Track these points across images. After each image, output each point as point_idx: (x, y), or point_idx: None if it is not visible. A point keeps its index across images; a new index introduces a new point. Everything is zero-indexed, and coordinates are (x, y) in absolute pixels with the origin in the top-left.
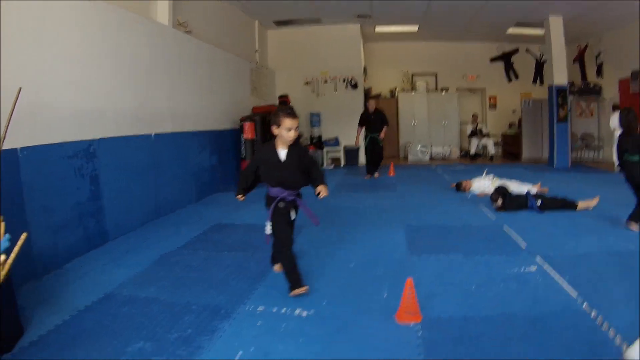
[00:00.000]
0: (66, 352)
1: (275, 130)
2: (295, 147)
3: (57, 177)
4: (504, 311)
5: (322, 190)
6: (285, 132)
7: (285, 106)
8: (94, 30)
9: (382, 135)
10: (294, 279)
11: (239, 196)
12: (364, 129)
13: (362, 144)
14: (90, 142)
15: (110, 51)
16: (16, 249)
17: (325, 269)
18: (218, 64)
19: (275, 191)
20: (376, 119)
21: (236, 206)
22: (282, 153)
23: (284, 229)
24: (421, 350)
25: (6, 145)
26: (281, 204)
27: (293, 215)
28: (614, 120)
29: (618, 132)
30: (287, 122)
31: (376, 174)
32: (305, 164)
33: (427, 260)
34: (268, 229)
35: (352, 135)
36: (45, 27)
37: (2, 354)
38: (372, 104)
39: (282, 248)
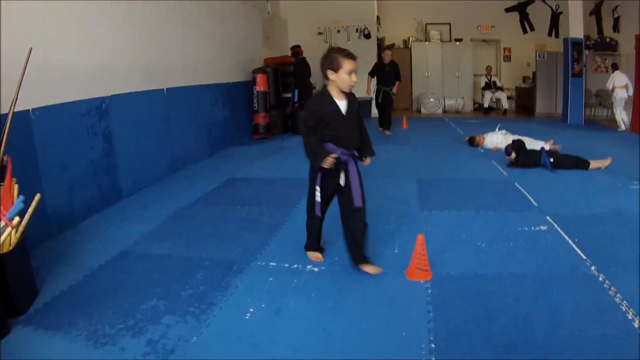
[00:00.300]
0: (80, 312)
1: (331, 75)
2: (352, 96)
3: (69, 137)
4: (513, 270)
5: (368, 160)
6: (347, 76)
7: (336, 47)
8: None
9: (394, 89)
10: (314, 243)
11: (329, 158)
12: (374, 80)
13: (372, 96)
14: (102, 100)
15: (119, 6)
16: (30, 210)
17: (337, 224)
18: (229, 15)
19: (328, 148)
20: (390, 71)
21: (249, 159)
22: (342, 104)
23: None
24: (430, 307)
25: (18, 107)
26: (332, 166)
27: (342, 180)
28: (614, 80)
29: (618, 93)
30: (348, 64)
31: (387, 132)
32: (359, 119)
33: (438, 215)
34: (318, 195)
35: (364, 87)
36: None
37: (18, 316)
38: (387, 55)
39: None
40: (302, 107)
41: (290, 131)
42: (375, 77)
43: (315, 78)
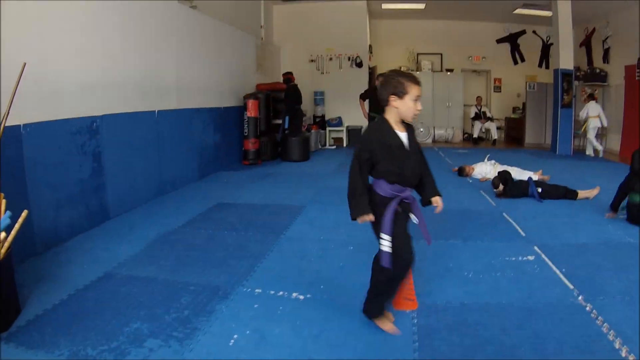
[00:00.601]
0: (63, 331)
1: (394, 102)
2: (411, 128)
3: (59, 154)
4: (500, 300)
5: (438, 202)
6: (413, 104)
7: (398, 70)
8: (99, 6)
9: None
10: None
11: (366, 217)
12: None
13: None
14: (93, 119)
15: (115, 26)
16: (17, 226)
17: (324, 252)
18: (223, 40)
19: (392, 189)
20: None
21: (238, 185)
22: (402, 136)
23: (408, 242)
24: (416, 337)
25: (9, 122)
26: (398, 208)
27: (415, 220)
28: (588, 109)
29: (591, 123)
30: (415, 90)
31: None
32: (422, 153)
33: (426, 244)
34: (386, 245)
35: (355, 115)
36: (49, 5)
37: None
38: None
39: (406, 268)
40: (292, 134)
41: (280, 157)
42: (368, 103)
43: (306, 105)
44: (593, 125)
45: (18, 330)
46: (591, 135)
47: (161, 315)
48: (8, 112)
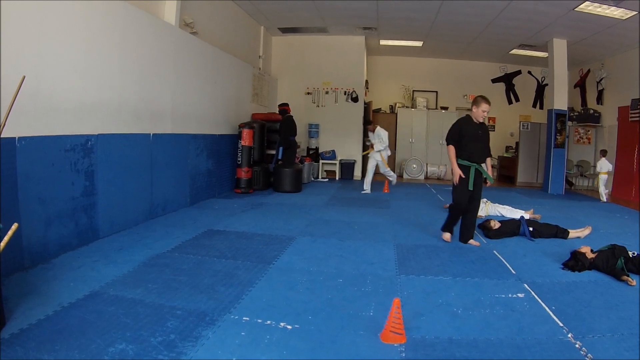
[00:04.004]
0: (47, 347)
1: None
2: (484, 124)
3: (52, 170)
4: (489, 336)
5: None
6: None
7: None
8: (99, 26)
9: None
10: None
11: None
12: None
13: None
14: (88, 137)
15: (115, 48)
16: (6, 238)
17: (313, 283)
18: (221, 67)
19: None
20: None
21: (229, 212)
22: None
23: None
24: None
25: (4, 134)
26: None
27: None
28: (601, 165)
29: (602, 179)
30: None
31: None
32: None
33: (416, 280)
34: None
35: (348, 150)
36: (49, 22)
37: None
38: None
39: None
40: (285, 165)
41: (272, 188)
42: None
43: (300, 137)
44: (603, 180)
45: (2, 343)
46: (601, 188)
47: (147, 337)
48: (4, 124)
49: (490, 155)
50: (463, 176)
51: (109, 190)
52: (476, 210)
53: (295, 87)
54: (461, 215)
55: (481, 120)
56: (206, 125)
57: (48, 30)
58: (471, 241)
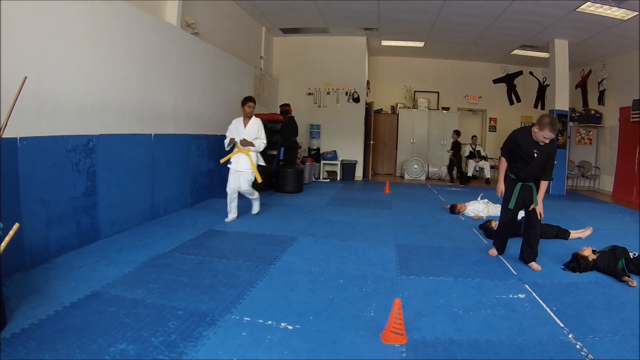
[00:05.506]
0: (48, 347)
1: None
2: (552, 143)
3: (54, 170)
4: (490, 337)
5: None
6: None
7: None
8: (101, 27)
9: None
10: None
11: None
12: None
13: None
14: (89, 138)
15: (116, 48)
16: (7, 238)
17: (314, 284)
18: (223, 68)
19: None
20: None
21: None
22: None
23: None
24: None
25: (6, 134)
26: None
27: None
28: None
29: None
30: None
31: None
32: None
33: (417, 280)
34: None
35: (350, 150)
36: (51, 22)
37: None
38: None
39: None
40: (287, 166)
41: (273, 188)
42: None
43: (302, 138)
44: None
45: (3, 343)
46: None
47: (148, 337)
48: (6, 124)
49: (547, 179)
50: (503, 192)
51: (110, 190)
52: (534, 228)
53: (296, 87)
54: (507, 234)
55: (541, 144)
56: (207, 125)
57: (50, 31)
58: (532, 264)
